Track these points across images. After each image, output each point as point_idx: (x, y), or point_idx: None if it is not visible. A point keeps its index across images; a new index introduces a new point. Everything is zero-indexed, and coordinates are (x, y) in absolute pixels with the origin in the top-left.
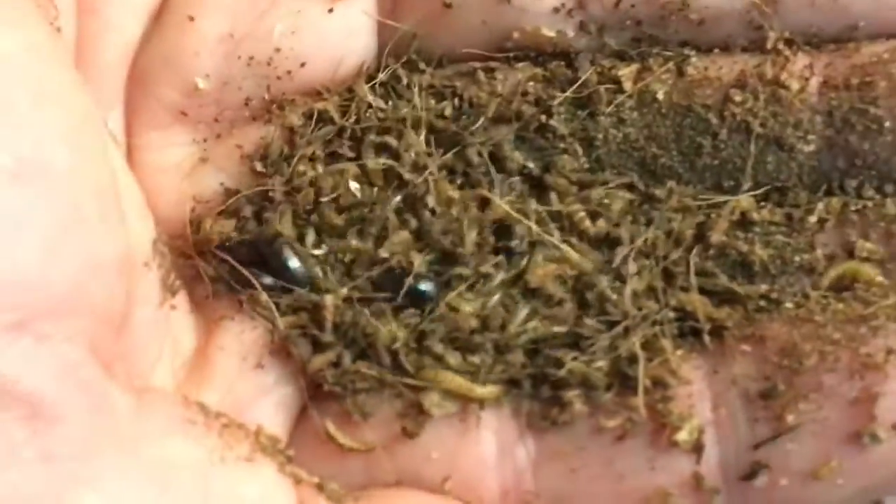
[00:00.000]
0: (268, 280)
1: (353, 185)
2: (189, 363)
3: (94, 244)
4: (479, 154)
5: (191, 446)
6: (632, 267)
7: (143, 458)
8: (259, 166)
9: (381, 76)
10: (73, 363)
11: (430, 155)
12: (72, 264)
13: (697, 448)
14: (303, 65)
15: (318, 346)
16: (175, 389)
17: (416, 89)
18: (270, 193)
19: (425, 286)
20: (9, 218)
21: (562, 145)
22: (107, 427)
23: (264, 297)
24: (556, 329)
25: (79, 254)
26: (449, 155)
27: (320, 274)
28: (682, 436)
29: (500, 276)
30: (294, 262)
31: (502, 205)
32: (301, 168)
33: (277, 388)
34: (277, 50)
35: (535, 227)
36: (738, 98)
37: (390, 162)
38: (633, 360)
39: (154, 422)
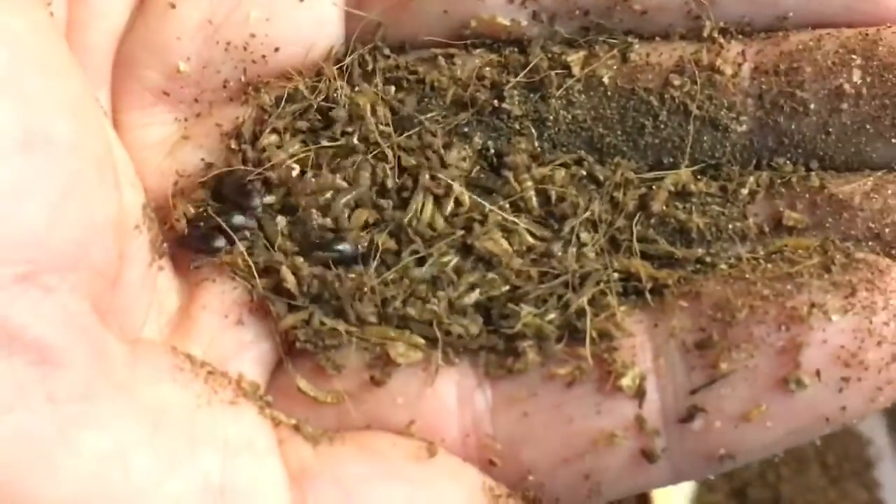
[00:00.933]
0: (238, 219)
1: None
2: (174, 321)
3: (93, 207)
4: (435, 134)
5: (179, 390)
6: (583, 236)
7: (138, 400)
8: (233, 144)
9: (348, 60)
10: (76, 313)
11: (387, 135)
12: (74, 225)
13: (640, 393)
14: (276, 50)
15: (291, 305)
16: (157, 340)
17: (379, 74)
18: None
19: (343, 247)
20: (18, 184)
21: (516, 126)
22: (105, 372)
23: (243, 255)
24: (505, 288)
25: (80, 216)
26: (409, 135)
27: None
28: (626, 382)
29: (452, 247)
30: (257, 202)
31: (454, 185)
32: (270, 140)
33: (256, 344)
34: (253, 36)
35: (487, 206)
36: (677, 82)
37: (353, 142)
38: (581, 314)
39: (146, 368)
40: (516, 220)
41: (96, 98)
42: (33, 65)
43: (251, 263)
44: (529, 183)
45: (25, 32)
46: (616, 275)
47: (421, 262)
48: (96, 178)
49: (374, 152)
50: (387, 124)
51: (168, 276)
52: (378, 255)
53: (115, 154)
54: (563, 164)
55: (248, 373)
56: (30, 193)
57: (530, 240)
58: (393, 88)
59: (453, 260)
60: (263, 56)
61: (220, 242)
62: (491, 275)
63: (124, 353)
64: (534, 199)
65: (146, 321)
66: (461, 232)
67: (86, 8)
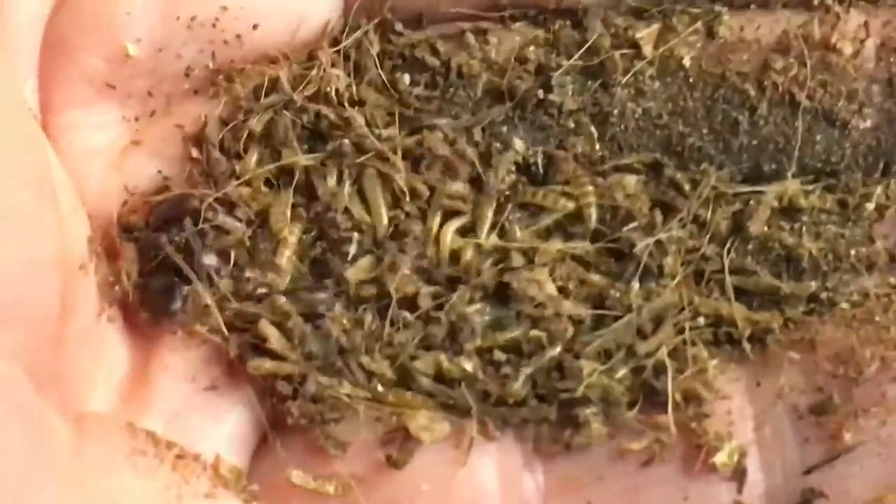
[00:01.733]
0: (209, 259)
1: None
2: (126, 385)
3: (30, 242)
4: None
5: (141, 481)
6: (657, 266)
7: (89, 494)
8: (195, 152)
9: (348, 40)
10: (8, 386)
11: (392, 147)
12: (7, 268)
13: (739, 474)
14: (255, 27)
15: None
16: (108, 413)
17: (382, 55)
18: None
19: (208, 260)
20: None
21: (570, 124)
22: (46, 460)
23: (209, 307)
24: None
25: (14, 254)
26: (421, 137)
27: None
28: (721, 459)
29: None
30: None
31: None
32: (243, 146)
33: (233, 415)
34: (224, 8)
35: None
36: (779, 64)
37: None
38: (660, 370)
39: (98, 453)
40: (570, 248)
41: (22, 96)
42: None
43: (219, 319)
44: (591, 199)
45: None
46: (703, 318)
47: (441, 307)
48: (33, 203)
49: (362, 157)
50: (393, 126)
51: (118, 328)
52: (393, 300)
53: (51, 172)
54: (632, 172)
55: (226, 453)
56: None
57: (591, 276)
58: (406, 77)
59: (486, 304)
60: (238, 35)
61: (178, 304)
62: (538, 320)
63: (69, 434)
64: (593, 217)
65: (93, 388)
66: (490, 265)
67: None
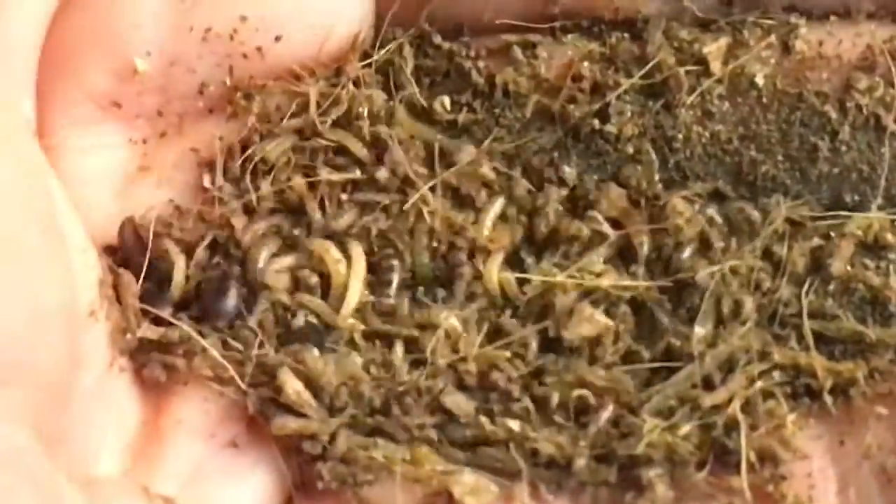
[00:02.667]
0: (231, 303)
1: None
2: (137, 442)
3: (36, 290)
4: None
5: None
6: (725, 308)
7: None
8: (207, 181)
9: (381, 54)
10: (16, 450)
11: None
12: (13, 318)
13: None
14: (277, 38)
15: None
16: (120, 477)
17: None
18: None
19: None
20: None
21: (628, 149)
22: None
23: (223, 365)
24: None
25: (20, 304)
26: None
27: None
28: None
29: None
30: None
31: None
32: (259, 186)
33: (255, 476)
34: (243, 18)
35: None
36: (863, 84)
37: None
38: (732, 427)
39: None
40: (623, 285)
41: (22, 118)
42: None
43: (232, 372)
44: (644, 238)
45: None
46: (778, 368)
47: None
48: (40, 246)
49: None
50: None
51: (128, 379)
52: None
53: (57, 206)
54: (695, 201)
55: None
56: None
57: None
58: (446, 100)
59: (531, 351)
60: (258, 48)
61: (231, 302)
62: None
63: (79, 501)
64: (645, 247)
65: (104, 446)
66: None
67: None
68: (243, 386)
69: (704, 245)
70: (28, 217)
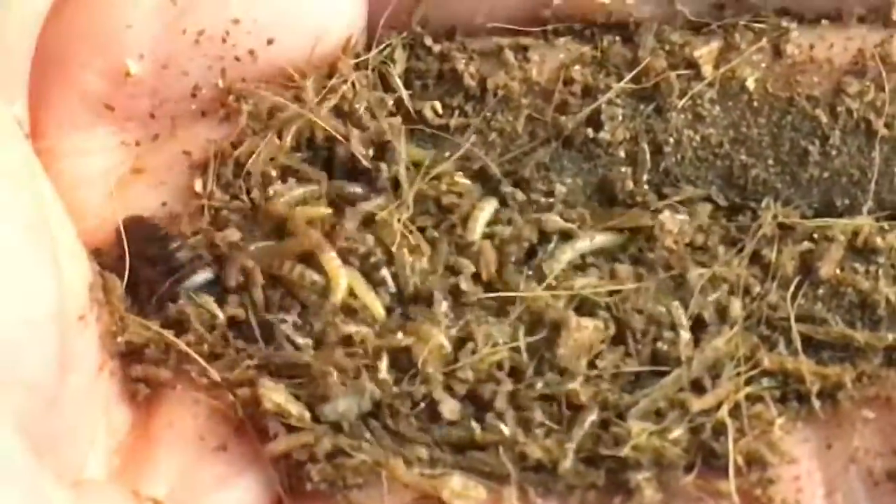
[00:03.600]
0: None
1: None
2: (127, 445)
3: (27, 294)
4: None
5: None
6: (711, 311)
7: None
8: (199, 185)
9: (372, 55)
10: (4, 453)
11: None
12: (3, 323)
13: None
14: (269, 41)
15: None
16: (109, 480)
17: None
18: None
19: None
20: None
21: (619, 153)
22: None
23: (206, 371)
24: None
25: (11, 309)
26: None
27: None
28: None
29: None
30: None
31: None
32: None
33: (244, 479)
34: (236, 21)
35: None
36: (854, 88)
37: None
38: (719, 430)
39: None
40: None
41: (13, 120)
42: None
43: (216, 377)
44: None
45: None
46: (766, 372)
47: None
48: (30, 250)
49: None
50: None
51: (118, 382)
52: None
53: (49, 210)
54: (685, 205)
55: None
56: None
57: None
58: (437, 104)
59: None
60: (250, 51)
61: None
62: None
63: (68, 503)
64: (649, 254)
65: (92, 449)
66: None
67: None
68: (235, 399)
69: (693, 250)
70: (17, 221)
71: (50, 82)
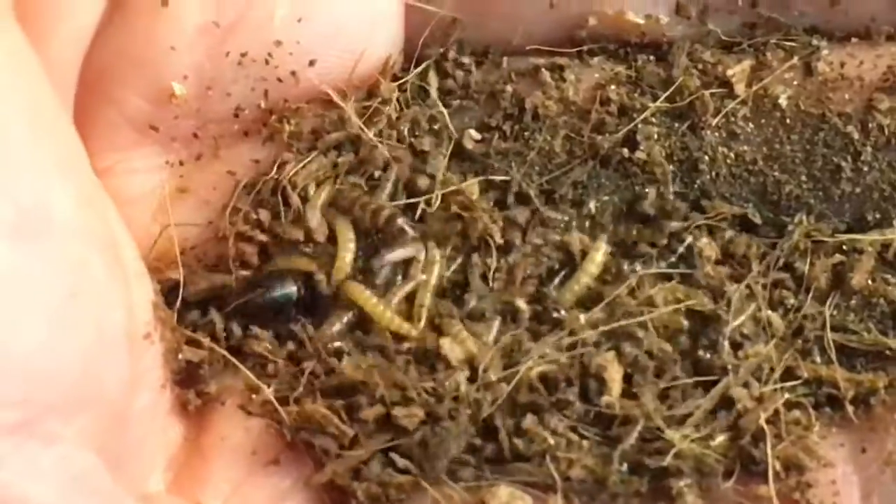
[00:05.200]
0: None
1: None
2: (178, 459)
3: (103, 312)
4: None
5: None
6: (748, 323)
7: None
8: (244, 203)
9: (411, 75)
10: (84, 471)
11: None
12: (81, 340)
13: None
14: (311, 63)
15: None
16: (172, 495)
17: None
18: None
19: (283, 290)
20: (9, 286)
21: (655, 171)
22: None
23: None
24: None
25: (88, 326)
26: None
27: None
28: None
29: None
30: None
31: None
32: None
33: (298, 493)
34: (278, 43)
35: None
36: (885, 104)
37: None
38: (758, 437)
39: None
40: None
41: (78, 138)
42: (20, 115)
43: (268, 395)
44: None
45: (4, 67)
46: (801, 380)
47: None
48: (104, 269)
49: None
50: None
51: (174, 398)
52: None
53: (117, 232)
54: (720, 223)
55: None
56: (24, 299)
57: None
58: (474, 132)
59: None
60: (293, 72)
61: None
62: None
63: None
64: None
65: (154, 466)
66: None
67: (42, 4)
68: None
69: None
70: (90, 243)
71: (95, 103)
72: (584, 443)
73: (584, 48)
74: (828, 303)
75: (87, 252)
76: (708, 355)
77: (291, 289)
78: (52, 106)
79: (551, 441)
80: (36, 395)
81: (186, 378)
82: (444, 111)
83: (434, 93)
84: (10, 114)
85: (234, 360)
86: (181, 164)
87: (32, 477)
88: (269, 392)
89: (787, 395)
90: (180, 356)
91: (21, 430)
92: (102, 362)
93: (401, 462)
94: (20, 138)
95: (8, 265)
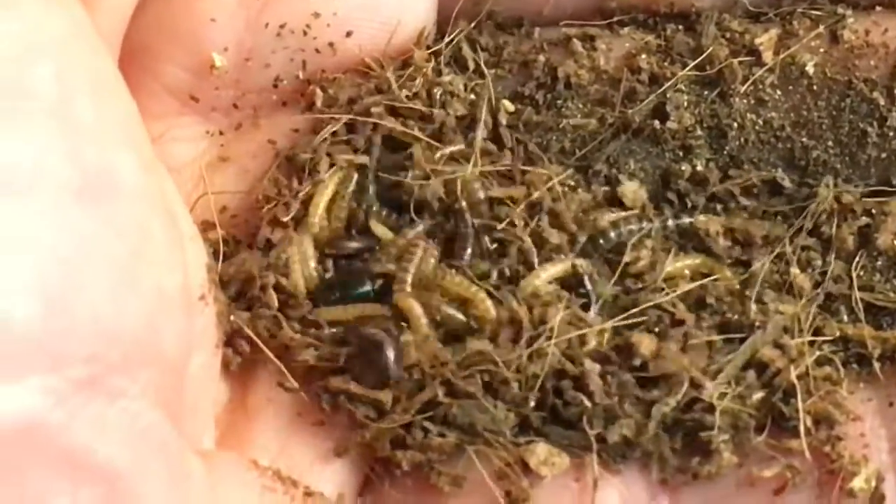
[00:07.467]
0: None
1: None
2: (224, 418)
3: (162, 273)
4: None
5: None
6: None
7: None
8: (269, 186)
9: (446, 45)
10: (149, 425)
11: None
12: (144, 299)
13: (877, 499)
14: (348, 34)
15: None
16: (228, 452)
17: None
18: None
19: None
20: (77, 246)
21: (687, 140)
22: (185, 500)
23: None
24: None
25: (150, 286)
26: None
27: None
28: (858, 484)
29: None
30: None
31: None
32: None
33: (339, 457)
34: (316, 15)
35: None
36: None
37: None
38: (789, 392)
39: (231, 490)
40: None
41: (135, 106)
42: (84, 83)
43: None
44: (702, 218)
45: (69, 37)
46: (828, 338)
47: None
48: (163, 231)
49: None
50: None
51: (222, 359)
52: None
53: (170, 195)
54: (749, 188)
55: (330, 493)
56: (91, 258)
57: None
58: (508, 104)
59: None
60: (330, 43)
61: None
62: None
63: (202, 472)
64: (715, 234)
65: (208, 425)
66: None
67: None
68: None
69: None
70: (152, 207)
71: (136, 74)
72: (625, 406)
73: (615, 19)
74: (854, 262)
75: (148, 215)
76: (735, 317)
77: (366, 287)
78: (113, 74)
79: (588, 404)
80: (102, 351)
81: (231, 339)
82: (489, 75)
83: (473, 60)
84: (76, 81)
85: (284, 325)
86: (221, 133)
87: (101, 431)
88: (312, 360)
89: (818, 352)
90: (232, 317)
91: (88, 387)
92: (162, 322)
93: (435, 430)
94: (86, 105)
95: (75, 227)
